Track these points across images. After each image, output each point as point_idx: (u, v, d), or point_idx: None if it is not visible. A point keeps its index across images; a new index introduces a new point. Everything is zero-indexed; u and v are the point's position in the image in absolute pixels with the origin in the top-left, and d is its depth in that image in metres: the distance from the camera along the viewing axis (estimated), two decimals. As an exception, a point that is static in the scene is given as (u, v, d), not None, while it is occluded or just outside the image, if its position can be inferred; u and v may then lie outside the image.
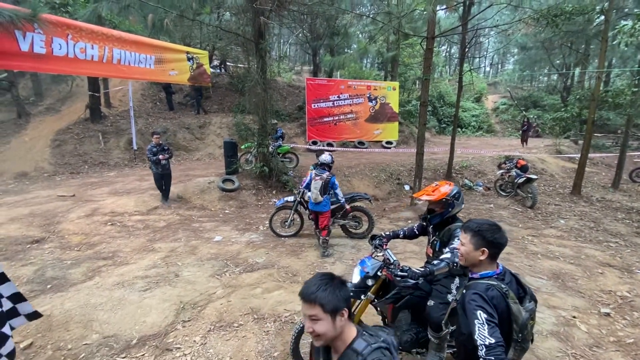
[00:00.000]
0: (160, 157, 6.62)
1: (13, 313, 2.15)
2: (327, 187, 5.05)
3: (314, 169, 5.25)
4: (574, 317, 3.56)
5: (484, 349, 1.37)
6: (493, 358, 1.35)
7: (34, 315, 2.25)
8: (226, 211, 7.33)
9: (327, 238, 5.11)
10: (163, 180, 6.95)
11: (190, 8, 6.35)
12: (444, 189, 2.47)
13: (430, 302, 2.41)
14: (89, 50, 4.55)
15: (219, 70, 17.92)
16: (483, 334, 1.39)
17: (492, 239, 1.56)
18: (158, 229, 6.01)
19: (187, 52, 6.90)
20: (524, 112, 22.44)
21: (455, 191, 2.47)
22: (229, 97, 15.57)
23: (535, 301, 1.68)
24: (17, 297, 2.15)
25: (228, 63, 18.09)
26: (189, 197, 7.53)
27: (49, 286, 3.97)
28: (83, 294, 3.80)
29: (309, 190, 5.11)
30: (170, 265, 4.55)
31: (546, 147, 14.83)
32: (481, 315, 1.43)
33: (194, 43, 13.20)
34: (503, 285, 1.50)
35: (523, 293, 1.60)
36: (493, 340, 1.37)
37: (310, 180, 5.09)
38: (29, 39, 4.10)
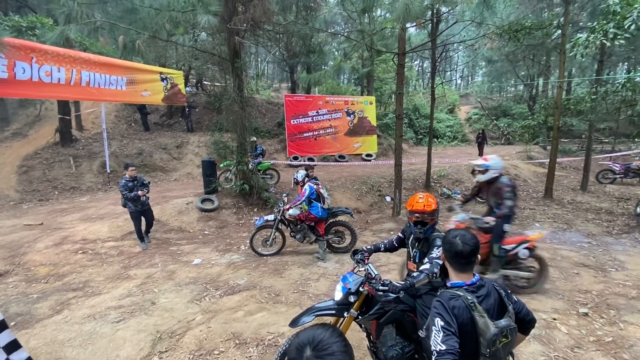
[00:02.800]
0: (140, 193, 5.67)
1: None
2: (311, 196, 5.34)
3: (309, 180, 5.43)
4: (554, 319, 3.62)
5: (435, 355, 1.37)
6: None
7: None
8: (205, 232, 7.12)
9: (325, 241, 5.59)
10: (144, 217, 6.01)
11: (163, 29, 6.32)
12: (431, 199, 2.52)
13: (422, 333, 2.39)
14: (55, 73, 4.41)
15: (195, 89, 17.84)
16: (436, 340, 1.39)
17: (447, 249, 1.59)
18: (133, 255, 5.74)
19: (161, 73, 6.83)
20: (495, 122, 23.45)
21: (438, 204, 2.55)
22: (207, 115, 15.45)
23: (529, 322, 1.60)
24: (12, 346, 2.03)
25: (205, 82, 18.04)
26: (166, 220, 7.29)
27: (12, 323, 3.67)
28: (50, 329, 3.54)
29: (319, 202, 5.31)
30: (146, 292, 4.34)
31: (518, 154, 15.46)
32: (438, 322, 1.42)
33: (169, 63, 13.11)
34: (469, 297, 1.46)
35: (501, 309, 1.53)
36: (444, 347, 1.36)
37: (312, 193, 5.22)
38: (-11, 63, 3.94)
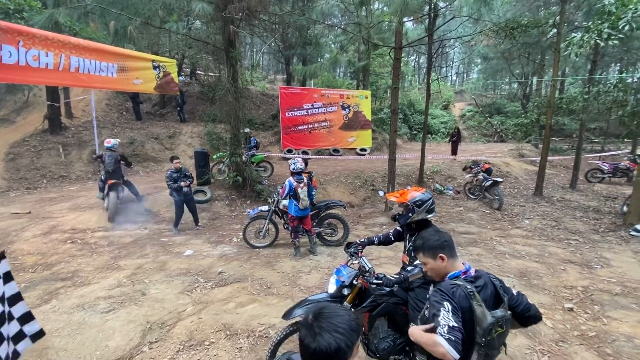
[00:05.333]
0: (182, 184, 6.10)
1: (20, 337, 2.10)
2: (309, 190, 5.23)
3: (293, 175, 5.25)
4: (541, 313, 3.69)
5: (446, 328, 1.38)
6: (453, 337, 1.36)
7: (38, 335, 2.20)
8: (198, 223, 7.07)
9: (315, 234, 5.55)
10: (186, 206, 6.44)
11: (156, 15, 6.16)
12: (412, 193, 2.53)
13: (412, 326, 2.42)
14: (42, 57, 4.27)
15: (189, 79, 17.55)
16: (447, 318, 1.41)
17: (438, 243, 1.64)
18: (124, 245, 5.68)
19: (153, 61, 6.67)
20: (489, 119, 23.61)
21: (418, 198, 2.48)
22: (200, 106, 15.25)
23: (529, 317, 1.64)
24: (26, 318, 2.12)
25: (198, 72, 17.76)
26: (158, 210, 7.22)
27: (-3, 313, 3.62)
28: (38, 319, 3.45)
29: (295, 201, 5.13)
30: (136, 283, 4.30)
31: (510, 151, 15.62)
32: (447, 305, 1.44)
33: (162, 51, 12.85)
34: (468, 286, 1.50)
35: (497, 300, 1.56)
36: (456, 325, 1.39)
37: (291, 190, 5.05)
38: (-27, 45, 3.80)
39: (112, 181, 6.40)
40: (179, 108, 13.99)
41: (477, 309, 1.44)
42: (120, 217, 6.60)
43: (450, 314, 1.42)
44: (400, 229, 2.75)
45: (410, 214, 2.50)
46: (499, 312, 1.48)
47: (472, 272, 1.62)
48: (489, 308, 1.48)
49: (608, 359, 2.98)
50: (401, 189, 2.70)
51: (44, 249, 5.35)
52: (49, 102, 10.72)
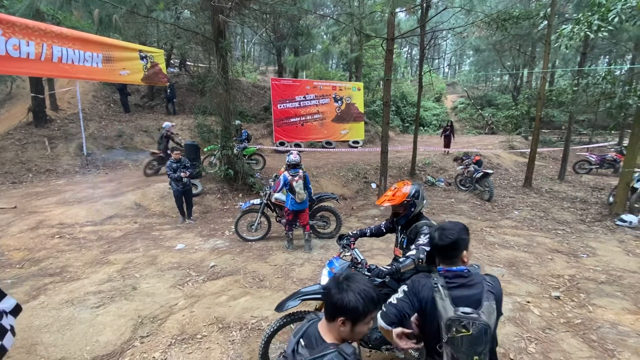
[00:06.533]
0: (182, 174, 6.17)
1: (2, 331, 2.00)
2: (306, 184, 5.14)
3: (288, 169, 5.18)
4: (528, 302, 3.78)
5: (387, 305, 1.58)
6: (385, 309, 1.56)
7: (17, 310, 2.07)
8: (186, 221, 7.01)
9: (311, 232, 5.45)
10: (184, 197, 6.52)
11: (142, 4, 5.97)
12: (404, 189, 2.47)
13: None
14: (23, 47, 4.11)
15: (178, 70, 17.20)
16: (394, 297, 1.60)
17: (430, 242, 1.71)
18: (113, 240, 5.61)
19: (140, 51, 6.49)
20: (480, 111, 23.77)
21: (414, 191, 2.46)
22: (190, 97, 15.00)
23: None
24: None
25: (188, 62, 17.41)
26: (148, 204, 7.12)
27: (-17, 310, 3.54)
28: (26, 315, 3.43)
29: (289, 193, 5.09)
30: (127, 277, 4.26)
31: (500, 143, 15.79)
32: (403, 288, 1.61)
33: (150, 41, 12.52)
34: (436, 279, 1.52)
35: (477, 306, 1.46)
36: (395, 302, 1.57)
37: (285, 183, 5.01)
38: (-51, 34, 3.63)
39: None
40: (167, 101, 13.72)
41: (439, 301, 1.44)
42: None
43: (400, 295, 1.58)
44: (392, 221, 2.74)
45: (412, 209, 2.47)
46: (466, 309, 1.39)
47: (463, 271, 1.53)
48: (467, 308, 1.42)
49: (593, 345, 3.06)
50: (387, 191, 2.61)
51: (31, 244, 5.24)
52: (33, 94, 10.41)
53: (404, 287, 1.61)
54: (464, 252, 1.54)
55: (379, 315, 1.56)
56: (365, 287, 1.17)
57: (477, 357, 1.38)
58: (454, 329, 1.39)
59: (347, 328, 1.16)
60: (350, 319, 1.15)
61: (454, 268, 1.53)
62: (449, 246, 1.53)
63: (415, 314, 1.56)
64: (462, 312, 1.39)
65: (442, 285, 1.47)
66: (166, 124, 8.62)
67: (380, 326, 1.55)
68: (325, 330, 1.21)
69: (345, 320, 1.15)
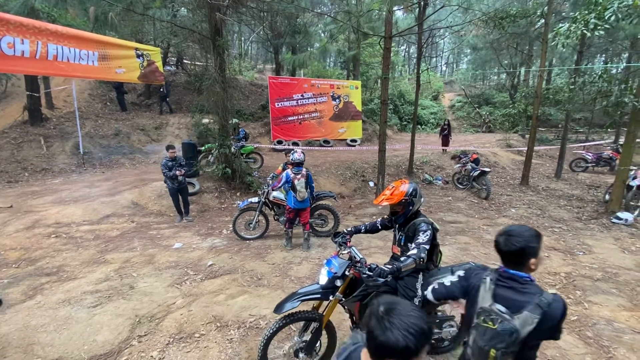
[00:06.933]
0: (177, 172, 6.17)
1: None
2: (309, 183, 5.13)
3: (285, 168, 5.16)
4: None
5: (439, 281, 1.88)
6: (437, 286, 1.83)
7: None
8: (183, 220, 6.99)
9: (311, 231, 5.45)
10: (180, 195, 6.52)
11: (138, 1, 5.93)
12: (402, 187, 2.47)
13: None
14: (18, 45, 4.07)
15: (175, 68, 17.12)
16: (447, 277, 1.85)
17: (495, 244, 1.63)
18: (110, 239, 5.58)
19: (136, 49, 6.44)
20: (477, 110, 23.82)
21: (411, 189, 2.46)
22: (187, 96, 14.93)
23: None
24: None
25: (185, 61, 17.33)
26: (145, 203, 7.09)
27: (-19, 309, 3.53)
28: (22, 315, 3.42)
29: (291, 191, 5.08)
30: (124, 277, 4.24)
31: (498, 141, 15.84)
32: (459, 272, 1.77)
33: (146, 39, 12.45)
34: (489, 273, 1.59)
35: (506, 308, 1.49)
36: (446, 283, 1.80)
37: (287, 181, 5.00)
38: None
39: None
40: (161, 100, 13.54)
41: (481, 291, 1.54)
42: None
43: (454, 278, 1.76)
44: (390, 220, 2.74)
45: (410, 207, 2.47)
46: (499, 307, 1.44)
47: (519, 277, 1.53)
48: (509, 309, 1.44)
49: (589, 341, 3.09)
50: (384, 190, 2.61)
51: (28, 243, 5.21)
52: (28, 93, 10.33)
53: (460, 272, 1.74)
54: (532, 259, 1.49)
55: (430, 289, 1.84)
56: (413, 321, 0.97)
57: (494, 351, 1.42)
58: (482, 318, 1.48)
59: None
60: (401, 359, 0.97)
61: (512, 271, 1.51)
62: (515, 253, 1.49)
63: (465, 300, 1.69)
64: (496, 308, 1.45)
65: (491, 279, 1.53)
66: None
67: (428, 297, 1.87)
68: None
69: None
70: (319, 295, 2.46)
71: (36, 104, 10.63)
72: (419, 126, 21.26)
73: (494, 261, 4.79)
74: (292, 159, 5.12)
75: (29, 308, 3.53)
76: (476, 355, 1.49)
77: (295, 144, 13.23)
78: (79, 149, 10.08)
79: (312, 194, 5.41)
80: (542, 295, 1.43)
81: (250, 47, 29.93)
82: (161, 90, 13.22)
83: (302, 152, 5.24)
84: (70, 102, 11.66)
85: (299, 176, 4.98)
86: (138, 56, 6.52)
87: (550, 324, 1.41)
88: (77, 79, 10.89)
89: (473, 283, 1.62)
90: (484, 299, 1.50)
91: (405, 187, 2.47)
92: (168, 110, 13.64)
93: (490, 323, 1.44)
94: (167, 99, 13.59)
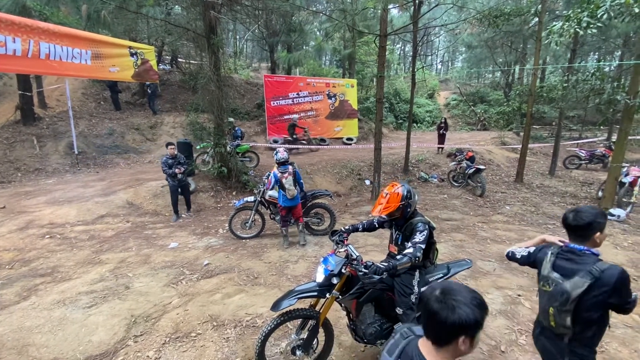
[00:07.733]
0: (177, 170, 6.24)
1: None
2: (297, 180, 5.14)
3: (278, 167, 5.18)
4: (519, 295, 3.84)
5: (522, 254, 2.03)
6: (514, 251, 2.06)
7: None
8: (182, 215, 6.97)
9: (304, 222, 5.54)
10: (180, 192, 6.59)
11: None
12: (397, 190, 2.45)
13: (399, 310, 2.46)
14: (9, 43, 4.02)
15: (169, 67, 17.00)
16: (523, 248, 2.05)
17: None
18: (105, 239, 5.55)
19: (130, 47, 6.39)
20: (472, 108, 23.94)
21: (405, 192, 2.45)
22: (182, 95, 14.85)
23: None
24: None
25: (179, 59, 17.22)
26: (140, 203, 7.05)
27: (-26, 311, 3.50)
28: (16, 316, 3.40)
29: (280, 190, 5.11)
30: (119, 277, 4.22)
31: (492, 139, 15.94)
32: (530, 249, 1.99)
33: (140, 38, 12.33)
34: (553, 249, 1.83)
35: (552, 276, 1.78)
36: (523, 253, 2.01)
37: (277, 181, 5.01)
38: None
39: None
40: (148, 100, 13.26)
41: (544, 262, 1.81)
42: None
43: (531, 250, 1.97)
44: (391, 223, 2.73)
45: (408, 209, 2.48)
46: (555, 275, 1.72)
47: (577, 249, 1.77)
48: (565, 277, 1.69)
49: (581, 336, 3.13)
50: (379, 198, 2.57)
51: (21, 244, 5.16)
52: (20, 92, 10.21)
53: (530, 249, 1.97)
54: (597, 233, 1.70)
55: (513, 250, 2.06)
56: (471, 294, 1.06)
57: (552, 309, 1.72)
58: (542, 283, 1.80)
59: (467, 344, 1.04)
60: (471, 334, 1.03)
61: (572, 245, 1.76)
62: (582, 227, 1.71)
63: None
64: (552, 275, 1.74)
65: (552, 253, 1.81)
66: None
67: (508, 256, 2.09)
68: (433, 355, 1.08)
69: (465, 338, 1.03)
70: (315, 293, 2.47)
71: (29, 103, 10.51)
72: (415, 124, 21.34)
73: (489, 258, 4.84)
74: (276, 159, 5.16)
75: (23, 309, 3.50)
76: (541, 314, 1.85)
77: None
78: (73, 148, 9.99)
79: (302, 189, 5.45)
80: (596, 264, 1.64)
81: (245, 46, 29.81)
82: (147, 89, 12.98)
83: (285, 151, 5.28)
84: (64, 101, 11.54)
85: (286, 174, 4.99)
86: (132, 55, 6.47)
87: (605, 289, 1.58)
88: (71, 78, 10.78)
89: (539, 255, 1.89)
90: (545, 268, 1.79)
91: (399, 190, 2.45)
92: (153, 111, 13.31)
93: (547, 287, 1.75)
94: (155, 100, 13.29)
